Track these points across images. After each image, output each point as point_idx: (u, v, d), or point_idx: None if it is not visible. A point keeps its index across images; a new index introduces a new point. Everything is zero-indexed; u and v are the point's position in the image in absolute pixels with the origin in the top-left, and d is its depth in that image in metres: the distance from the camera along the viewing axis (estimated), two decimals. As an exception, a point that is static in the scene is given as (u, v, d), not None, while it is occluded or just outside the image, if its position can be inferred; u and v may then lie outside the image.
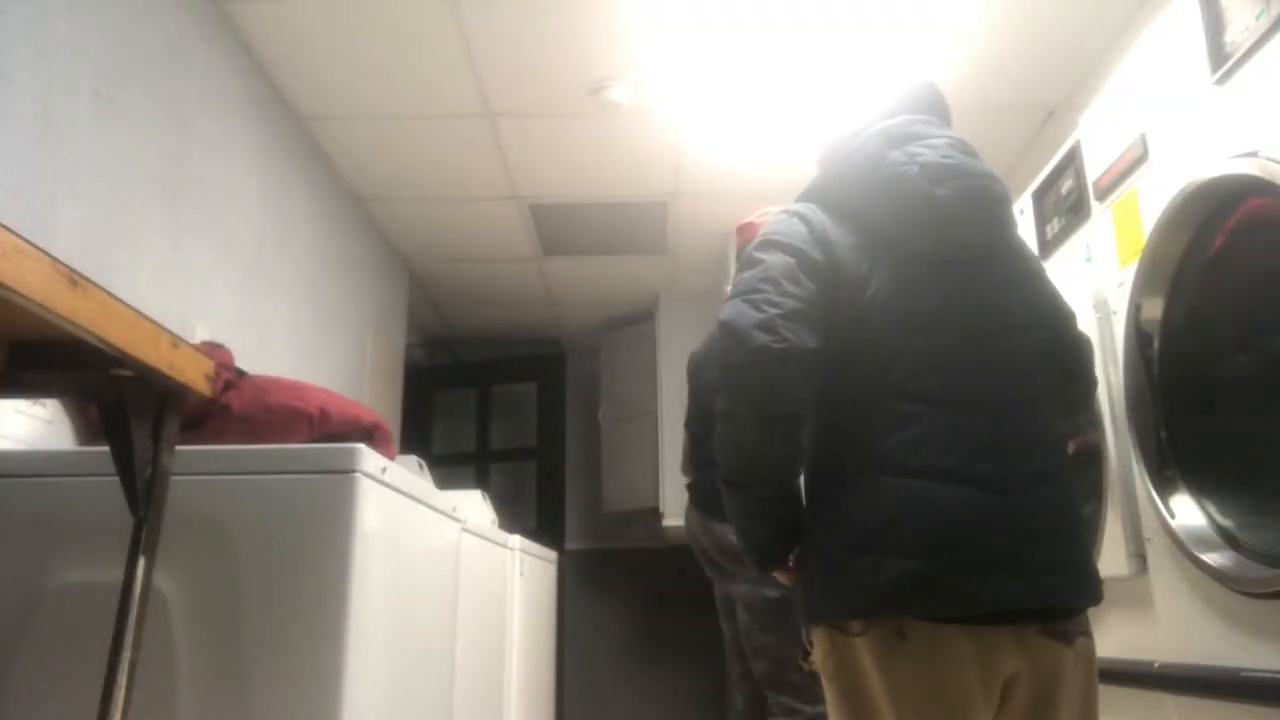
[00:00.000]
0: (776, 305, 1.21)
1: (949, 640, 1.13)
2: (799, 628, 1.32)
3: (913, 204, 1.27)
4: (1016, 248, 1.37)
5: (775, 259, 1.26)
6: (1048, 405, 1.30)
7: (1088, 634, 1.23)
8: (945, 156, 1.30)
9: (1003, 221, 1.33)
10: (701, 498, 2.41)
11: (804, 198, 1.37)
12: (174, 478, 1.11)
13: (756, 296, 1.23)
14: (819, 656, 1.24)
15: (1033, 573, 1.16)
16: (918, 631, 1.14)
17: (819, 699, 1.97)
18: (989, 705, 1.15)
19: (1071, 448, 1.58)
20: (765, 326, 1.19)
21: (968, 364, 1.24)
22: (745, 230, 2.44)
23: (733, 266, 2.37)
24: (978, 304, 1.27)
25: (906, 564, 1.14)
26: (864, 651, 1.16)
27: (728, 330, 1.23)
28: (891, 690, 1.14)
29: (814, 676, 1.98)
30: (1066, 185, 1.90)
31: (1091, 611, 1.64)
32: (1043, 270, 1.41)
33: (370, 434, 1.81)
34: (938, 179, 1.27)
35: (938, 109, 1.44)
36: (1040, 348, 1.31)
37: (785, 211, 1.34)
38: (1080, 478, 1.74)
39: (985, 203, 1.30)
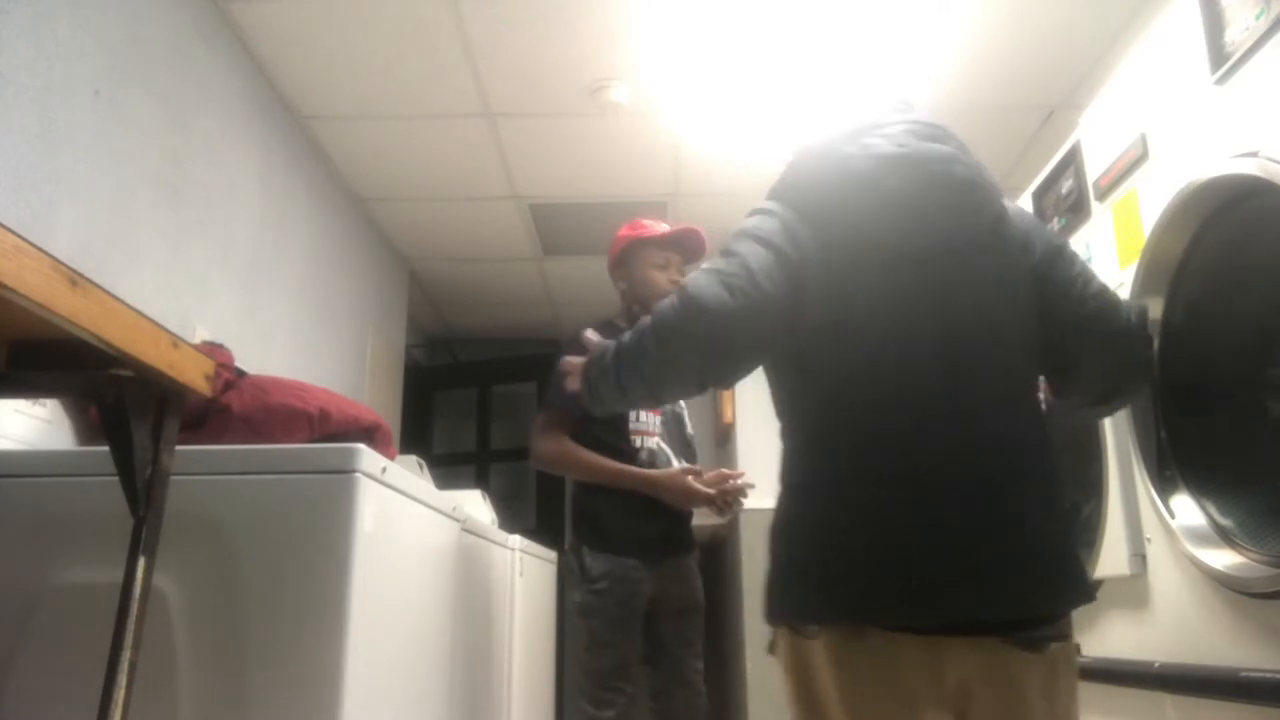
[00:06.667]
0: (737, 280, 1.20)
1: (901, 645, 1.12)
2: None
3: (866, 199, 1.22)
4: (999, 233, 1.27)
5: (749, 248, 1.23)
6: (1021, 399, 1.24)
7: (1066, 638, 1.18)
8: (899, 145, 1.24)
9: (973, 207, 1.25)
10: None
11: (771, 196, 1.33)
12: (174, 478, 1.11)
13: (725, 270, 1.21)
14: (780, 653, 1.24)
15: (992, 584, 1.12)
16: (871, 636, 1.13)
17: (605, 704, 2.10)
18: (939, 711, 1.13)
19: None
20: (728, 289, 1.19)
21: (934, 366, 1.19)
22: (613, 246, 2.39)
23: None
24: (948, 302, 1.21)
25: (859, 573, 1.14)
26: (819, 651, 1.17)
27: (684, 295, 1.21)
28: (841, 690, 1.14)
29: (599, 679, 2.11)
30: (1066, 185, 1.90)
31: (1091, 611, 1.63)
32: (1056, 254, 1.31)
33: (370, 434, 1.81)
34: (891, 169, 1.22)
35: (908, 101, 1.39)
36: (1024, 345, 1.25)
37: (755, 210, 1.31)
38: (1079, 476, 1.74)
39: (945, 190, 1.23)
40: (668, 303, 1.23)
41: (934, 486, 1.15)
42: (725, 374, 1.28)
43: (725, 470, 2.30)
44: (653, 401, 1.56)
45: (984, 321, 1.22)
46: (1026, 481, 1.18)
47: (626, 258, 2.35)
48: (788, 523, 1.25)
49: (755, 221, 1.28)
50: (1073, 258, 1.35)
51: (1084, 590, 1.20)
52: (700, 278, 1.22)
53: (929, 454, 1.17)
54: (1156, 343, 1.54)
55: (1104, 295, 1.32)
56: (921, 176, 1.23)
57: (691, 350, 1.22)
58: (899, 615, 1.13)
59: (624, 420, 2.27)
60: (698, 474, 2.24)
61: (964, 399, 1.19)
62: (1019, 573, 1.14)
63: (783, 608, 1.23)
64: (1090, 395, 1.38)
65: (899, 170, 1.23)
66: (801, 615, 1.20)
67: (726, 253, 1.25)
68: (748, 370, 1.29)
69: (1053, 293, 1.29)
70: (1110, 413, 1.41)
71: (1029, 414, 1.25)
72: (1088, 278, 1.32)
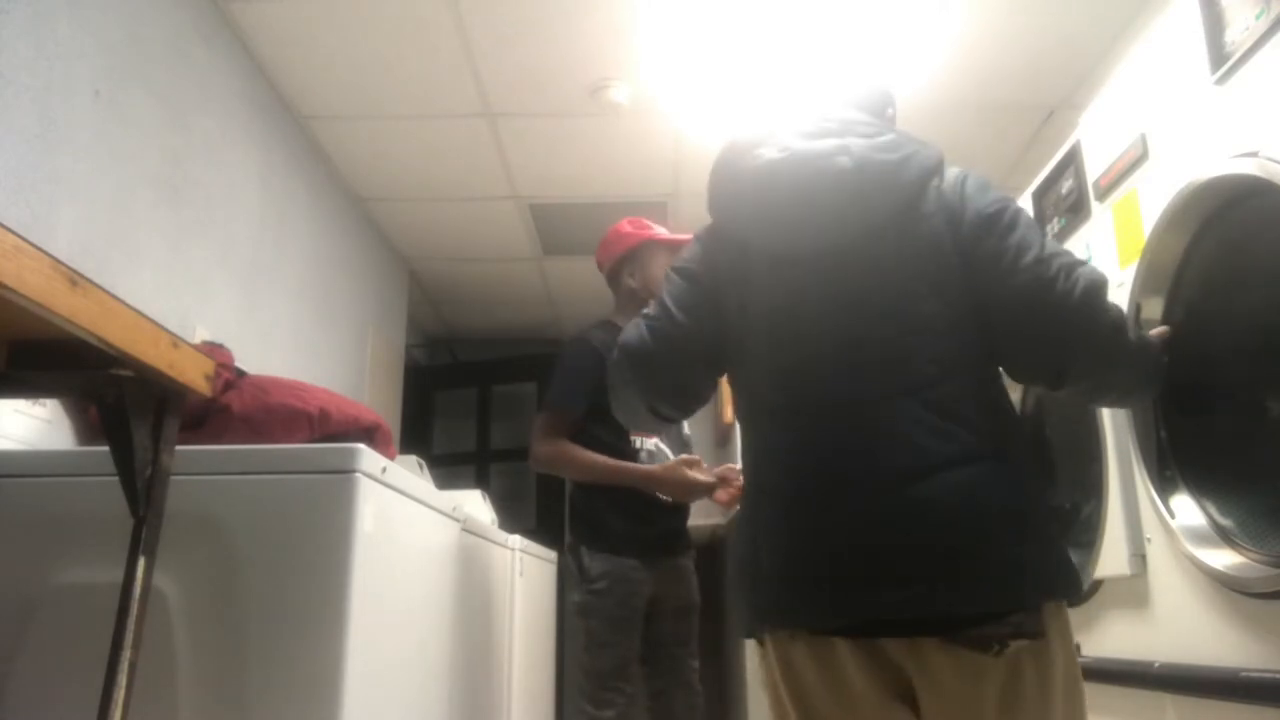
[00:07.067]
0: (656, 321, 1.33)
1: (837, 647, 1.12)
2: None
3: (755, 210, 1.25)
4: (910, 214, 1.21)
5: (671, 285, 1.35)
6: (946, 390, 1.15)
7: (1034, 637, 1.08)
8: (782, 150, 1.24)
9: (864, 195, 1.19)
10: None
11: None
12: (174, 478, 1.11)
13: (650, 314, 1.35)
14: (754, 661, 1.30)
15: (896, 582, 1.07)
16: (807, 639, 1.15)
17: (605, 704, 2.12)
18: (889, 709, 1.11)
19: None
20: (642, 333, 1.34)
21: (822, 367, 1.19)
22: (617, 241, 2.42)
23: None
24: (842, 299, 1.20)
25: (770, 582, 1.17)
26: (772, 657, 1.20)
27: (619, 344, 1.37)
28: (790, 691, 1.17)
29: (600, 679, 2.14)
30: (1066, 185, 1.90)
31: (1091, 611, 1.64)
32: (986, 225, 1.20)
33: (370, 434, 1.81)
34: (773, 175, 1.23)
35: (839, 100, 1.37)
36: (950, 327, 1.18)
37: (694, 235, 1.40)
38: (1078, 476, 1.74)
39: (827, 188, 1.20)
40: (615, 352, 1.37)
41: (826, 490, 1.15)
42: (671, 406, 1.38)
43: (732, 466, 2.28)
44: (640, 428, 1.63)
45: (887, 312, 1.19)
46: (942, 474, 1.10)
47: (640, 255, 2.37)
48: (735, 537, 1.31)
49: (685, 252, 1.38)
50: (1010, 227, 1.20)
51: (1038, 587, 1.10)
52: (630, 326, 1.36)
53: (816, 455, 1.17)
54: (1156, 342, 1.54)
55: (1040, 266, 1.16)
56: (802, 177, 1.22)
57: (631, 392, 1.35)
58: (802, 620, 1.15)
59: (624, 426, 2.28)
60: (695, 464, 2.23)
61: (858, 401, 1.17)
62: (936, 568, 1.08)
63: (738, 620, 1.30)
64: (1031, 376, 1.30)
65: (781, 175, 1.23)
66: (745, 627, 1.25)
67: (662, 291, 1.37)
68: (695, 396, 1.38)
69: (980, 267, 1.19)
70: (1087, 399, 1.36)
71: (951, 406, 1.15)
72: (1024, 248, 1.18)
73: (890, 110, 1.40)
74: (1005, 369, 1.26)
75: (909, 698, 1.12)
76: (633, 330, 1.35)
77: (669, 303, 1.32)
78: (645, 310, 1.36)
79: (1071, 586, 1.15)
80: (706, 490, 2.21)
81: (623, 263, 2.39)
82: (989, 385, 1.22)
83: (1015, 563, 1.09)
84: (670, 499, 2.24)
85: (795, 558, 1.15)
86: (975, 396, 1.18)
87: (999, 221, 1.21)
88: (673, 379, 1.34)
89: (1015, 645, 1.07)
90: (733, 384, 1.35)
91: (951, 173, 1.27)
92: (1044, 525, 1.16)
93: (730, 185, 1.30)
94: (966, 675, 1.08)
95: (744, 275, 1.27)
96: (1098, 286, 1.18)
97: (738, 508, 2.28)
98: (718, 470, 2.25)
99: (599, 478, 2.21)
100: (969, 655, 1.07)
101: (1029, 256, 1.17)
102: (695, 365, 1.33)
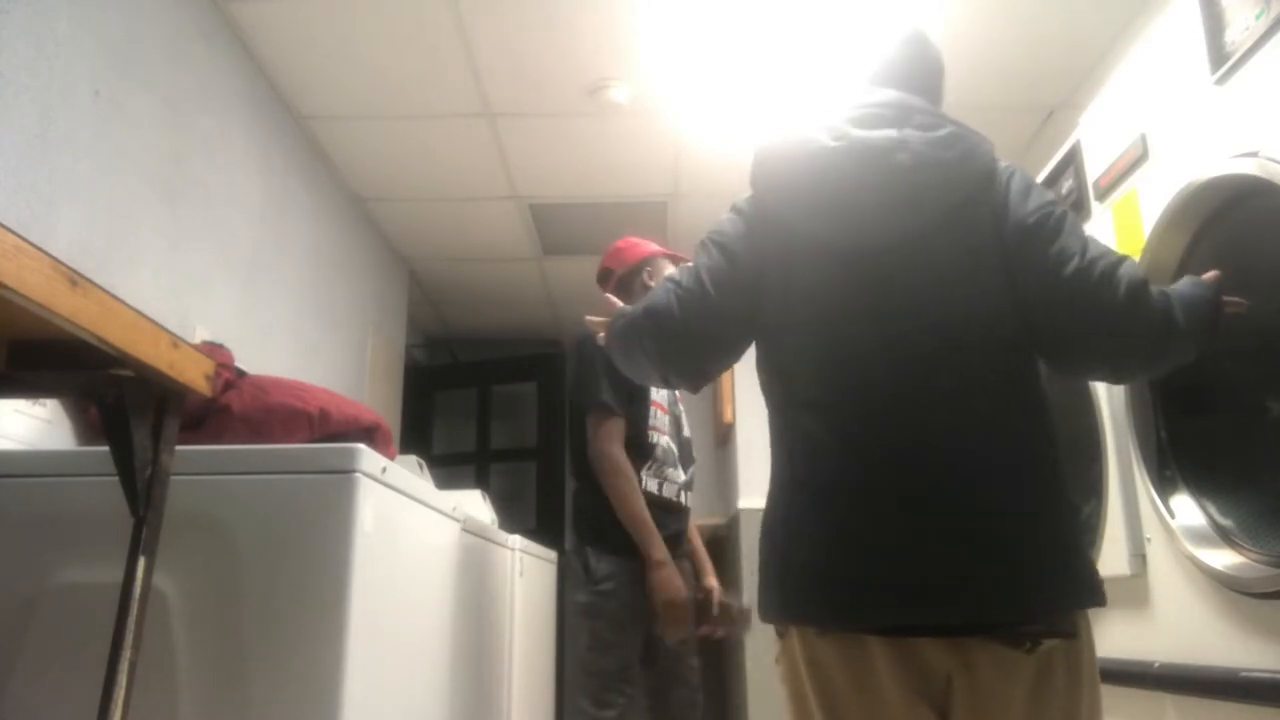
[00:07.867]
0: (688, 295, 1.30)
1: (868, 643, 1.12)
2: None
3: (805, 200, 1.23)
4: (962, 218, 1.21)
5: (707, 257, 1.31)
6: (990, 393, 1.17)
7: (1066, 636, 1.11)
8: (837, 139, 1.22)
9: (919, 195, 1.19)
10: None
11: (750, 186, 1.35)
12: (174, 478, 1.11)
13: (681, 281, 1.31)
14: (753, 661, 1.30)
15: (927, 588, 1.09)
16: (836, 634, 1.15)
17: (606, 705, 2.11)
18: (915, 707, 1.11)
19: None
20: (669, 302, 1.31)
21: (869, 366, 1.17)
22: (631, 248, 2.45)
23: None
24: (886, 298, 1.19)
25: (801, 578, 1.17)
26: (795, 648, 1.19)
27: (645, 303, 1.35)
28: (814, 684, 1.16)
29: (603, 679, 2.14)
30: (1067, 185, 1.90)
31: (1092, 611, 1.64)
32: (1031, 232, 1.20)
33: (370, 434, 1.81)
34: (827, 165, 1.21)
35: (893, 77, 1.35)
36: (991, 336, 1.19)
37: (733, 205, 1.36)
38: (1079, 477, 1.74)
39: (882, 185, 1.19)
40: (637, 308, 1.35)
41: (862, 492, 1.14)
42: (683, 379, 1.37)
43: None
44: (640, 380, 1.59)
45: (931, 314, 1.18)
46: (980, 483, 1.12)
47: (656, 263, 2.42)
48: (761, 523, 1.29)
49: (724, 223, 1.33)
50: (1054, 233, 1.20)
51: (1072, 592, 1.13)
52: (659, 289, 1.33)
53: (858, 454, 1.16)
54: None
55: (1080, 276, 1.16)
56: (857, 171, 1.21)
57: (645, 357, 1.33)
58: (831, 620, 1.14)
59: (645, 419, 2.32)
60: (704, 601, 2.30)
61: (902, 401, 1.16)
62: (964, 575, 1.09)
63: (761, 608, 1.26)
64: (1085, 378, 1.35)
65: (835, 166, 1.21)
66: (767, 615, 1.24)
67: (695, 257, 1.33)
68: (709, 375, 1.37)
69: (1026, 275, 1.20)
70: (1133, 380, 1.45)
71: (995, 409, 1.17)
72: (1064, 259, 1.18)
73: (943, 80, 1.42)
74: (1056, 371, 1.28)
75: (934, 699, 1.12)
76: (662, 296, 1.31)
77: (705, 278, 1.28)
78: (676, 278, 1.31)
79: (1100, 591, 1.17)
80: (682, 613, 2.16)
81: (640, 267, 2.42)
82: (1029, 388, 1.22)
83: (1056, 569, 1.12)
84: (659, 595, 2.16)
85: (832, 554, 1.14)
86: (1015, 399, 1.19)
87: (1040, 232, 1.21)
88: (694, 358, 1.33)
89: (1048, 644, 1.10)
90: (766, 372, 1.31)
91: (1000, 169, 1.27)
92: (1079, 530, 1.19)
93: (782, 171, 1.28)
94: (999, 669, 1.10)
95: (789, 263, 1.25)
96: (1139, 285, 1.17)
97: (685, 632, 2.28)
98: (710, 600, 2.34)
99: (630, 524, 2.17)
100: (1002, 650, 1.10)
101: (1069, 268, 1.17)
102: (719, 348, 1.33)
